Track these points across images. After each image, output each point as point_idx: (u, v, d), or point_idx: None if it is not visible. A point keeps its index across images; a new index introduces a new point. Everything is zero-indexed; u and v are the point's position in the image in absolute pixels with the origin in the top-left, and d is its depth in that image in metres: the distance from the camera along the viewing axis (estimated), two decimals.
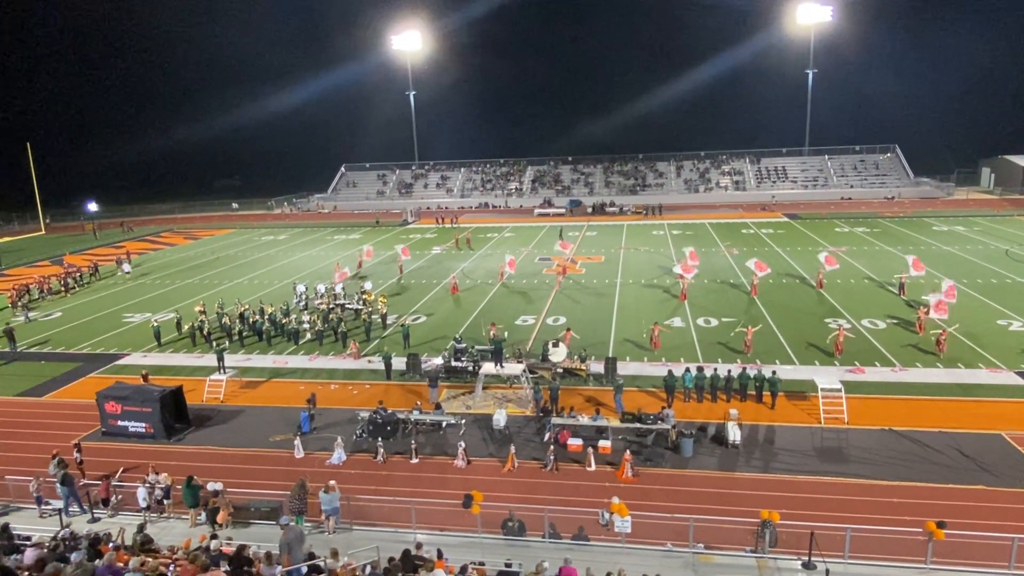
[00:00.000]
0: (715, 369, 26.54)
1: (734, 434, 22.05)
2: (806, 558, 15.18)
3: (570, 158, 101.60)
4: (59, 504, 19.11)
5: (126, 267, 55.43)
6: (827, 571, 13.87)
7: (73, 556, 13.62)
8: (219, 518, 17.75)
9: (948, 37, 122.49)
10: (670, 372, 25.78)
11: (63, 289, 48.13)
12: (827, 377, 25.48)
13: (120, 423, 24.51)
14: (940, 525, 15.03)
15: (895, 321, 33.69)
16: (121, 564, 13.44)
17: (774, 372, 26.11)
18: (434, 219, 78.48)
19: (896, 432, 22.47)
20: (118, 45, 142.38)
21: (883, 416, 23.68)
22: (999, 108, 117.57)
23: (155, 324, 35.67)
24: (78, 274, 51.73)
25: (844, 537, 15.28)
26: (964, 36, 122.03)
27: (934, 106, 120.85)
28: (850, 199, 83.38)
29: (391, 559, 13.89)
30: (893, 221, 65.60)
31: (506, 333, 33.07)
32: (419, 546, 14.91)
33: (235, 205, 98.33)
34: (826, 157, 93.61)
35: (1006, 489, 18.92)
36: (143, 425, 24.31)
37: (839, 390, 24.09)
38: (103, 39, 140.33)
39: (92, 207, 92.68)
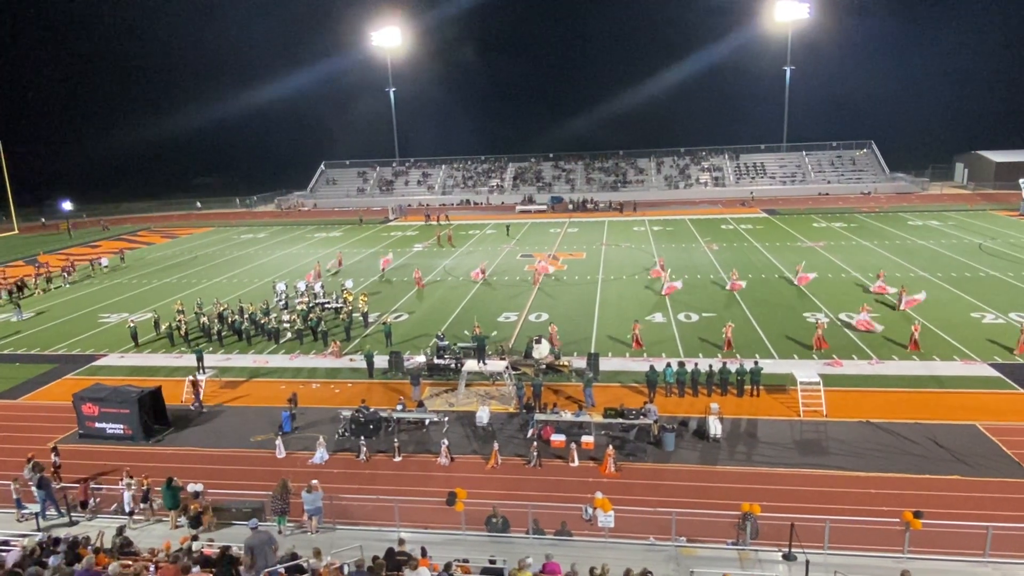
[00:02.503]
0: (696, 364, 26.76)
1: (715, 428, 22.26)
2: (786, 549, 15.38)
3: (551, 155, 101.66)
4: (36, 508, 18.81)
5: (104, 261, 55.51)
6: (807, 562, 14.05)
7: (51, 560, 13.44)
8: (204, 520, 17.60)
9: (922, 35, 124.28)
10: (652, 367, 25.96)
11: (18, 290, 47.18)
12: (806, 371, 25.77)
13: (97, 425, 24.17)
14: (917, 515, 15.30)
15: (872, 315, 34.13)
16: (100, 567, 13.27)
17: (756, 362, 26.39)
18: (421, 216, 77.85)
19: (873, 424, 22.81)
20: (92, 41, 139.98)
21: (861, 408, 24.03)
22: (972, 104, 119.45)
23: (132, 324, 35.18)
24: (48, 275, 50.97)
25: (823, 528, 15.48)
26: (938, 34, 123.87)
27: (909, 103, 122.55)
28: (827, 194, 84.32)
29: (375, 558, 13.85)
30: (869, 216, 66.49)
31: (495, 333, 33.08)
32: (401, 542, 14.87)
33: (199, 204, 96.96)
34: (804, 153, 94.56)
35: (981, 479, 19.28)
36: (121, 427, 23.98)
37: (817, 383, 24.38)
38: (77, 35, 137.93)
39: (67, 206, 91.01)
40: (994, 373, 26.66)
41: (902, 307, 34.28)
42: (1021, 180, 64.06)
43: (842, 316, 34.15)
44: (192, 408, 26.35)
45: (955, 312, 34.30)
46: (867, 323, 31.98)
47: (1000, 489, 18.77)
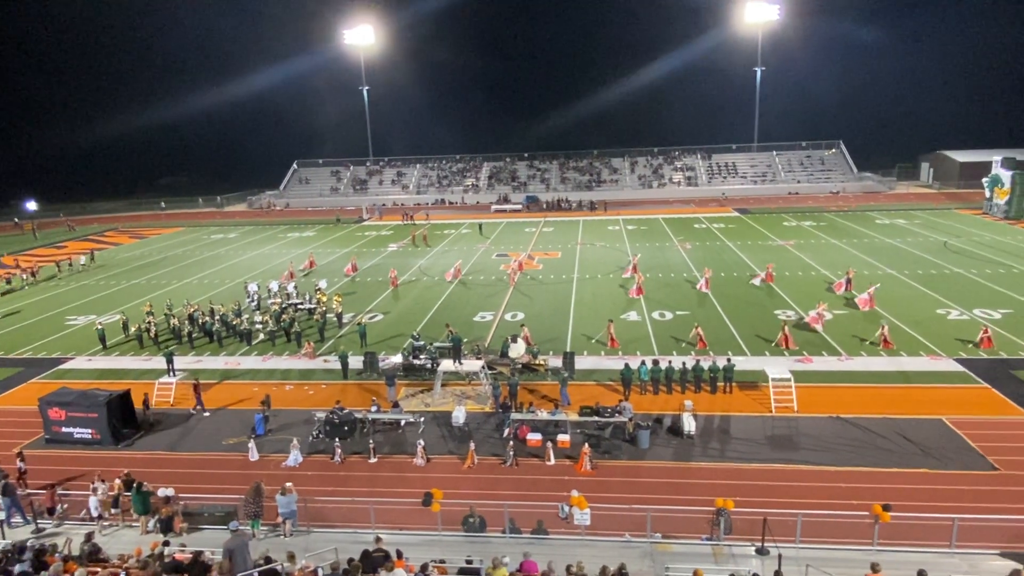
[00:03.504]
0: (670, 362, 26.99)
1: (689, 425, 22.47)
2: (760, 544, 15.58)
3: (526, 154, 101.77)
4: (1, 515, 18.34)
5: (81, 259, 55.48)
6: (780, 556, 14.23)
7: (17, 568, 13.14)
8: (175, 525, 17.32)
9: (889, 38, 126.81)
10: (626, 365, 26.12)
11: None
12: (777, 367, 26.15)
13: (65, 430, 23.65)
14: (886, 508, 15.59)
15: (841, 312, 34.77)
16: (68, 575, 13.01)
17: (728, 359, 26.69)
18: (399, 216, 76.65)
19: (843, 419, 23.20)
20: (57, 36, 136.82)
21: (830, 404, 24.42)
22: (937, 106, 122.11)
23: (100, 326, 34.49)
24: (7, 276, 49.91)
25: (795, 522, 15.71)
26: (904, 37, 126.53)
27: (876, 104, 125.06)
28: (797, 194, 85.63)
29: (350, 560, 13.75)
30: (838, 215, 67.63)
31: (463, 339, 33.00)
32: (378, 540, 14.78)
33: (163, 204, 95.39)
34: (774, 153, 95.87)
35: (947, 472, 19.72)
36: (89, 431, 23.49)
37: (788, 379, 24.74)
38: (37, 27, 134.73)
39: (31, 206, 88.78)
40: (959, 368, 27.27)
41: (861, 305, 34.72)
42: (984, 179, 65.63)
43: (812, 313, 34.58)
44: (194, 412, 25.87)
45: (921, 309, 35.03)
46: (816, 318, 32.39)
47: (966, 481, 19.21)
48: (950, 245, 50.56)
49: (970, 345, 29.34)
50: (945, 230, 56.70)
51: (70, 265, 53.93)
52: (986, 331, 29.12)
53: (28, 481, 20.36)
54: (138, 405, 25.57)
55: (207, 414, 25.86)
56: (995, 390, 25.03)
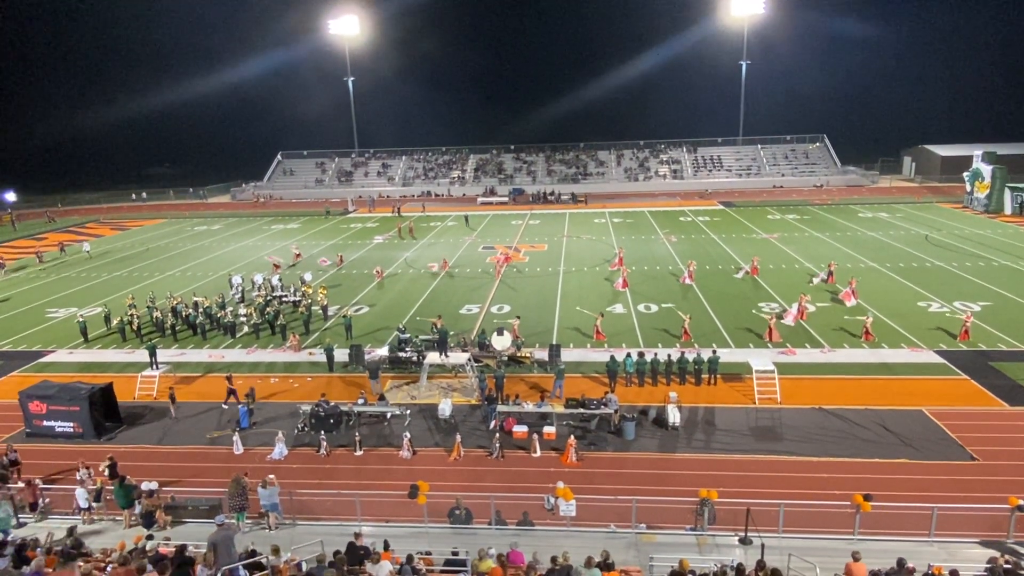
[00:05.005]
0: (655, 354, 27.13)
1: (674, 416, 22.62)
2: (743, 534, 15.74)
3: (512, 146, 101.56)
4: None
5: (86, 246, 56.66)
6: (763, 545, 14.39)
7: None
8: (157, 517, 17.21)
9: (872, 32, 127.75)
10: (612, 357, 26.22)
11: None
12: (761, 359, 26.32)
13: (46, 423, 23.41)
14: (867, 498, 15.78)
15: (824, 304, 35.08)
16: (50, 570, 12.90)
17: (713, 351, 26.88)
18: (390, 208, 75.62)
19: (825, 410, 23.46)
20: (37, 24, 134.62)
21: (813, 395, 24.67)
22: (919, 100, 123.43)
23: (81, 319, 34.10)
24: None
25: (778, 512, 15.88)
26: (887, 32, 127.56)
27: (859, 98, 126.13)
28: (781, 187, 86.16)
29: (336, 552, 13.74)
30: (822, 208, 68.14)
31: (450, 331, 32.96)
32: (358, 536, 14.75)
33: (144, 195, 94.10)
34: (759, 146, 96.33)
35: (926, 462, 20.01)
36: (71, 425, 23.28)
37: (772, 371, 24.95)
38: (20, 19, 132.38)
39: (10, 197, 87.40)
40: (939, 360, 27.62)
41: (844, 300, 34.93)
42: (965, 173, 66.36)
43: (795, 306, 34.86)
44: (225, 406, 25.45)
45: (902, 301, 35.42)
46: (794, 315, 32.35)
47: (945, 471, 19.51)
48: (931, 238, 51.11)
49: (947, 318, 29.75)
50: (926, 223, 57.30)
51: (40, 258, 53.30)
52: (968, 318, 29.63)
53: (13, 473, 20.16)
54: (163, 398, 25.51)
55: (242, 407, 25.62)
56: (974, 381, 25.39)
